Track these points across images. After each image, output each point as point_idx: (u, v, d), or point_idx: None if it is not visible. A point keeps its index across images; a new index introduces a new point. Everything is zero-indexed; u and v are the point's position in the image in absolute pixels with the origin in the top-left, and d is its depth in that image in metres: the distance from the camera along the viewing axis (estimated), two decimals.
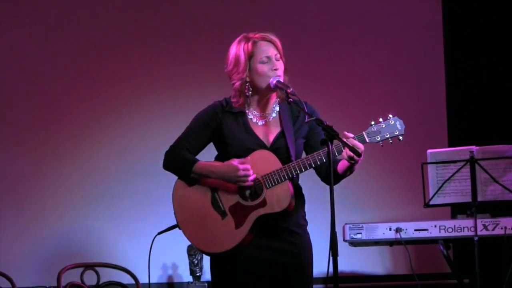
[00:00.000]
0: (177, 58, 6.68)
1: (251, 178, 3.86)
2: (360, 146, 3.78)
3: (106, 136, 6.58)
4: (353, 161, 3.80)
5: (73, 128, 6.55)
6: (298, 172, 3.87)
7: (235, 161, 3.87)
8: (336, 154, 3.81)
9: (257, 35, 3.98)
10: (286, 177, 3.85)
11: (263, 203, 3.86)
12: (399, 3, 6.84)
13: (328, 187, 3.66)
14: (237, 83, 3.97)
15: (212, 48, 6.48)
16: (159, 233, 4.25)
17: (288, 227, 3.94)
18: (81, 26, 6.63)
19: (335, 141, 3.69)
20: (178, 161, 3.96)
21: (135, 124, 6.60)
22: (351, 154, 3.74)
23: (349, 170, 3.88)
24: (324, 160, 3.85)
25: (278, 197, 3.86)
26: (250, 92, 3.98)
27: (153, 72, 6.66)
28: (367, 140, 3.86)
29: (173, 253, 6.35)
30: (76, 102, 6.57)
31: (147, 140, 6.46)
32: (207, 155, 4.08)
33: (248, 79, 3.96)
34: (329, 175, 3.60)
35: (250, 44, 3.96)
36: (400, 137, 3.90)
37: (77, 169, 6.51)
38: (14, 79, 6.55)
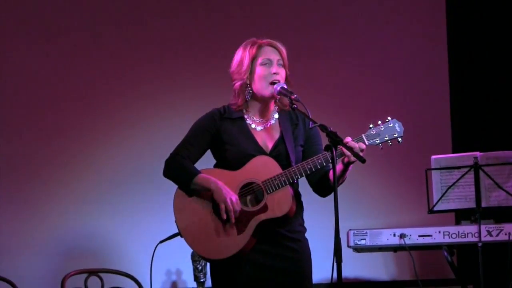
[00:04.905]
0: (183, 67, 6.67)
1: (231, 217, 3.85)
2: (362, 146, 3.79)
3: (112, 143, 6.58)
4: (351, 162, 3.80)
5: (78, 135, 6.55)
6: (299, 176, 3.87)
7: (234, 196, 3.86)
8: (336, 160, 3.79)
9: (264, 41, 4.03)
10: (287, 182, 3.86)
11: (265, 208, 3.86)
12: (403, 9, 6.83)
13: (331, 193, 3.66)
14: (237, 83, 4.00)
15: (217, 55, 6.48)
16: (161, 241, 4.24)
17: (287, 233, 3.94)
18: (87, 32, 6.64)
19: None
20: (179, 170, 3.97)
21: (140, 131, 6.59)
22: (353, 159, 3.75)
23: (342, 176, 3.87)
24: (324, 164, 3.86)
25: (279, 202, 3.86)
26: (249, 97, 4.00)
27: (158, 80, 6.65)
28: (367, 143, 3.87)
29: (177, 259, 6.34)
30: (81, 109, 6.58)
31: (152, 147, 6.45)
32: (208, 162, 4.09)
33: (248, 82, 3.99)
34: (334, 183, 3.60)
35: (255, 47, 4.00)
36: (400, 139, 3.90)
37: (81, 175, 6.51)
38: (21, 84, 6.56)
